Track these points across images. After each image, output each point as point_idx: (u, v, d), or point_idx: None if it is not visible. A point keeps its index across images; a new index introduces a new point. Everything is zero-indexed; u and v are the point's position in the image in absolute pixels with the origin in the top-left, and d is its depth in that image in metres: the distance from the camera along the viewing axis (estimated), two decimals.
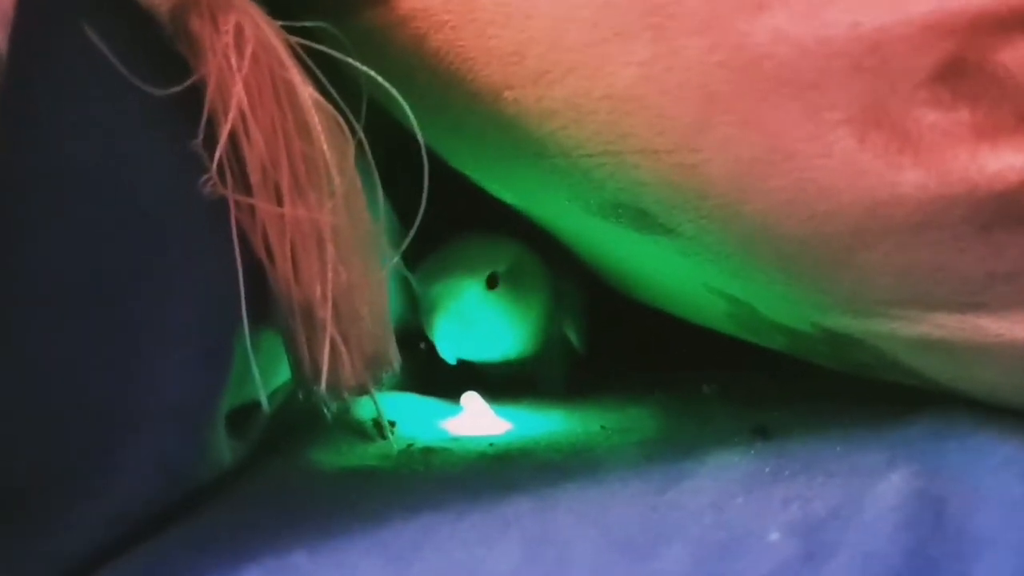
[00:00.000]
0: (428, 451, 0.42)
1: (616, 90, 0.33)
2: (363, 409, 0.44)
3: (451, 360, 0.53)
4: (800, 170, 0.31)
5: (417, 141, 0.37)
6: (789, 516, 0.30)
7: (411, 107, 0.41)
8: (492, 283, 0.53)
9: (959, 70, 0.26)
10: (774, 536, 0.28)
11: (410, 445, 0.43)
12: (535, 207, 0.48)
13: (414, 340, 0.54)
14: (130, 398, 0.31)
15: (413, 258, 0.55)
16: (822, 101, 0.29)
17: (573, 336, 0.60)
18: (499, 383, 0.55)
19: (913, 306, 0.37)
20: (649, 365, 0.62)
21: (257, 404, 0.41)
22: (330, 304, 0.35)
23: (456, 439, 0.44)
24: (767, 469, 0.36)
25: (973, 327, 0.36)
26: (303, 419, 0.41)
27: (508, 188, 0.47)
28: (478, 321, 0.53)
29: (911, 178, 0.29)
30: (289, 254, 0.36)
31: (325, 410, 0.39)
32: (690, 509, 0.32)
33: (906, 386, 0.44)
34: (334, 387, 0.37)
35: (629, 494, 0.34)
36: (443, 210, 0.57)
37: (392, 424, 0.45)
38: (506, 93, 0.36)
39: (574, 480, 0.36)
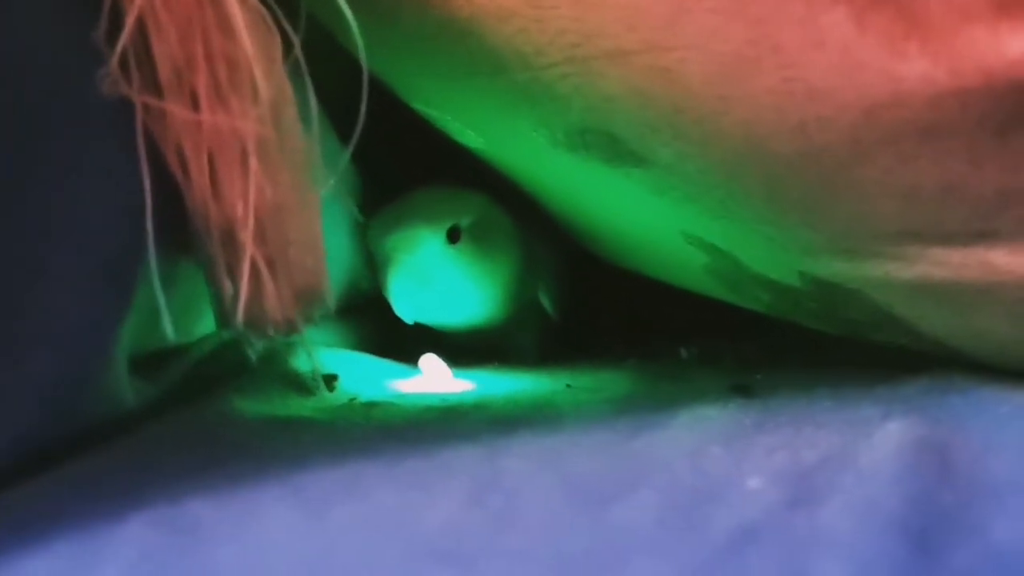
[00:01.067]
0: (371, 405, 0.38)
1: None
2: (301, 360, 0.40)
3: (408, 320, 0.48)
4: (788, 66, 0.27)
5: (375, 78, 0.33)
6: (773, 464, 0.26)
7: (360, 23, 0.37)
8: (453, 237, 0.49)
9: None
10: (754, 482, 0.24)
11: (352, 399, 0.39)
12: (499, 146, 0.44)
13: (376, 303, 0.50)
14: (7, 318, 0.26)
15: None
16: None
17: (546, 302, 0.56)
18: (466, 352, 0.51)
19: (914, 241, 0.33)
20: (628, 336, 0.58)
21: (181, 348, 0.36)
22: (251, 225, 0.31)
23: (405, 396, 0.40)
24: (748, 421, 0.32)
25: (980, 263, 0.32)
26: (235, 368, 0.37)
27: (468, 121, 0.43)
28: (437, 279, 0.49)
29: (917, 70, 0.25)
30: (206, 167, 0.31)
31: (249, 351, 0.34)
32: (660, 458, 0.28)
33: (902, 349, 0.41)
34: (257, 322, 0.32)
35: (592, 443, 0.30)
36: (410, 167, 0.53)
37: (334, 377, 0.40)
38: None
39: (532, 430, 0.32)
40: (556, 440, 0.30)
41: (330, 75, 0.37)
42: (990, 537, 0.21)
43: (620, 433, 0.31)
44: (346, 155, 0.33)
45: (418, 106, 0.45)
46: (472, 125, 0.43)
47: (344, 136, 0.34)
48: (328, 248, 0.45)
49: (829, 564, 0.20)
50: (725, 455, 0.27)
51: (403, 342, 0.51)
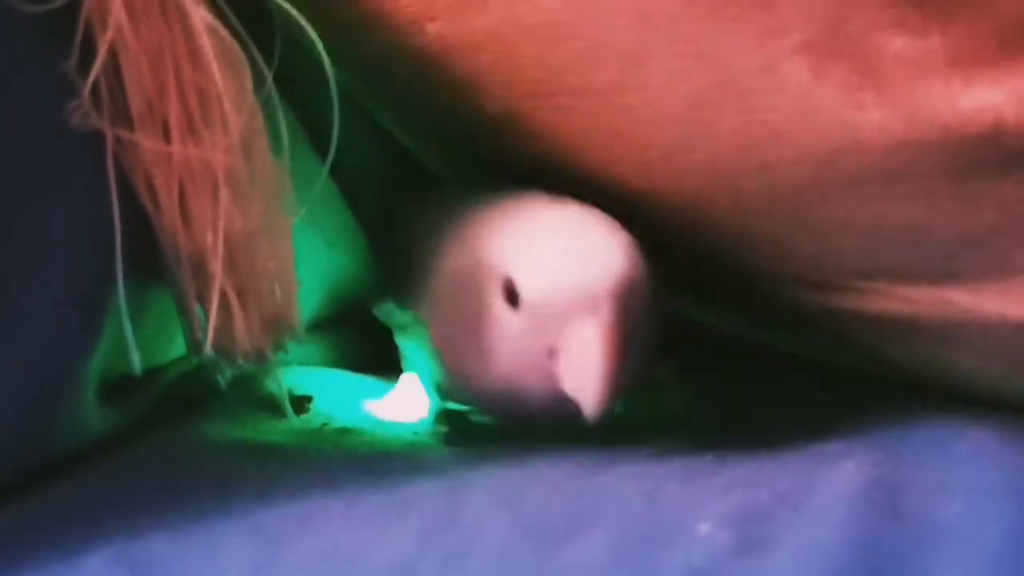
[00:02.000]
0: (342, 432, 0.38)
1: (543, 17, 0.29)
2: (275, 383, 0.40)
3: None
4: (751, 110, 0.27)
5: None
6: (727, 505, 0.27)
7: (335, 50, 0.37)
8: None
9: None
10: (705, 527, 0.25)
11: (325, 424, 0.39)
12: (466, 179, 0.45)
13: (362, 314, 0.50)
14: None
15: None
16: (773, 23, 0.25)
17: None
18: None
19: (880, 278, 0.33)
20: None
21: (153, 372, 0.37)
22: (221, 254, 0.31)
23: (380, 423, 0.40)
24: (710, 456, 0.32)
25: (944, 302, 0.32)
26: (207, 393, 0.37)
27: (441, 152, 0.43)
28: None
29: (874, 120, 0.26)
30: (177, 197, 0.32)
31: (220, 378, 0.35)
32: (618, 495, 0.28)
33: (872, 375, 0.41)
34: (226, 350, 0.33)
35: (556, 477, 0.31)
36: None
37: (308, 400, 0.41)
38: (428, 26, 0.32)
39: (498, 463, 0.32)
40: (520, 475, 0.30)
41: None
42: None
43: (583, 467, 0.31)
44: (323, 173, 0.34)
45: (398, 133, 0.46)
46: (445, 156, 0.44)
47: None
48: (308, 263, 0.45)
49: None
50: (681, 494, 0.28)
51: (388, 356, 0.51)
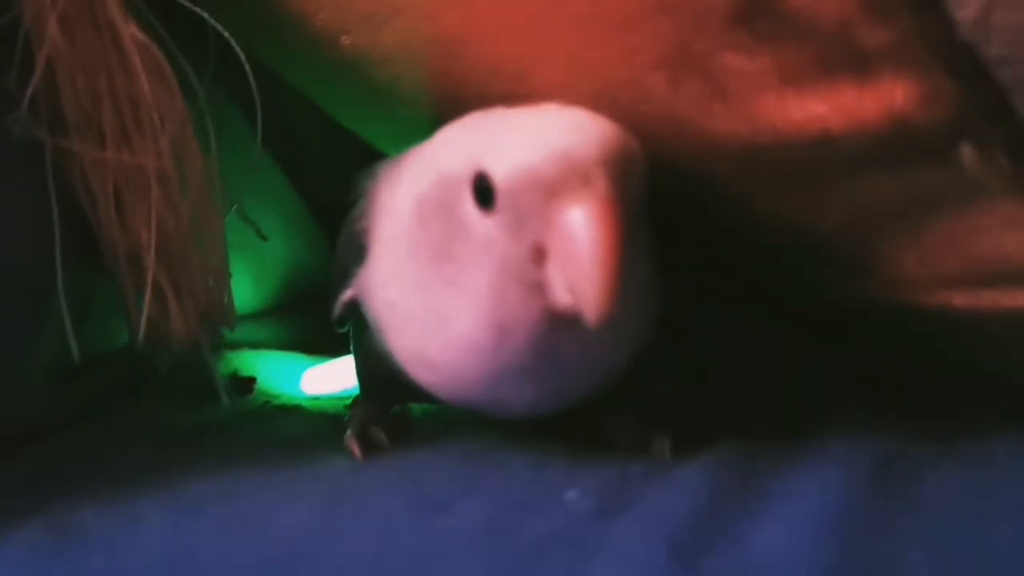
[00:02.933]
0: (281, 410, 0.41)
1: (444, 32, 0.32)
2: (223, 365, 0.43)
3: None
4: (626, 118, 0.30)
5: None
6: (600, 475, 0.30)
7: (272, 47, 0.40)
8: None
9: (756, 11, 0.26)
10: (572, 494, 0.28)
11: (266, 403, 0.43)
12: None
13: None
14: None
15: None
16: (634, 42, 0.28)
17: None
18: None
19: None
20: None
21: (99, 358, 0.40)
22: (154, 252, 0.35)
23: (316, 398, 0.44)
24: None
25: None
26: (154, 377, 0.41)
27: (385, 144, 0.46)
28: None
29: (724, 127, 0.29)
30: (113, 199, 0.35)
31: (160, 364, 0.38)
32: (508, 467, 0.31)
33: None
34: (163, 339, 0.36)
35: (459, 453, 0.34)
36: None
37: (252, 381, 0.44)
38: (343, 38, 0.35)
39: (414, 443, 0.35)
40: (424, 453, 0.33)
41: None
42: (747, 545, 0.25)
43: (487, 444, 0.34)
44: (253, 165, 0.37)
45: (344, 123, 0.48)
46: (387, 145, 0.47)
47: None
48: (265, 252, 0.49)
49: (602, 571, 0.24)
50: (564, 466, 0.31)
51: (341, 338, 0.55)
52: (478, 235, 0.27)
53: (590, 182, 0.25)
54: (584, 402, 0.31)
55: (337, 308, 0.34)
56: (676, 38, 0.27)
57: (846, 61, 0.26)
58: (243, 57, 0.35)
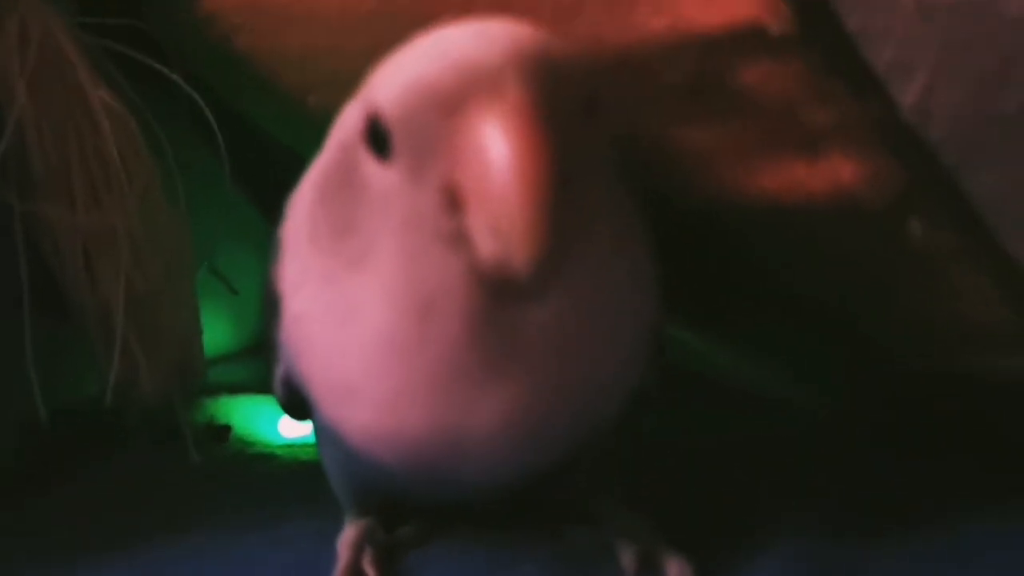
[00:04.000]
0: (255, 458, 0.42)
1: None
2: (200, 413, 0.44)
3: None
4: None
5: None
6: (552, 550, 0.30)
7: (243, 101, 0.41)
8: None
9: (706, 87, 0.26)
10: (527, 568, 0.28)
11: (240, 450, 0.43)
12: None
13: None
14: None
15: None
16: None
17: None
18: None
19: None
20: None
21: (73, 406, 0.41)
22: (122, 310, 0.35)
23: (291, 444, 0.44)
24: None
25: None
26: (125, 427, 0.41)
27: None
28: None
29: (683, 195, 0.30)
30: (82, 261, 0.35)
31: (130, 417, 0.39)
32: (464, 539, 0.32)
33: None
34: (132, 394, 0.37)
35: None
36: None
37: (227, 428, 0.45)
38: (309, 97, 0.36)
39: None
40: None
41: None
42: None
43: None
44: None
45: None
46: None
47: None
48: (244, 288, 0.49)
49: None
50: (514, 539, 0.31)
51: None
52: (378, 192, 0.22)
53: (499, 90, 0.20)
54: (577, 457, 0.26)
55: (279, 392, 0.30)
56: (627, 112, 0.28)
57: (793, 139, 0.27)
58: (211, 116, 0.36)
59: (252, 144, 0.43)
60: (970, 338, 0.31)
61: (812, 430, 0.41)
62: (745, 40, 0.25)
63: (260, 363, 0.54)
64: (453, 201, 0.21)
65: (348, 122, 0.24)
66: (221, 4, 0.34)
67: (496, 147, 0.20)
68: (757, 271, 0.32)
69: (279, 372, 0.29)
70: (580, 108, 0.22)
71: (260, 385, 0.51)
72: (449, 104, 0.20)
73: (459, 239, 0.21)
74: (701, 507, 0.32)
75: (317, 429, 0.32)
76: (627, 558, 0.28)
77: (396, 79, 0.22)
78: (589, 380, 0.24)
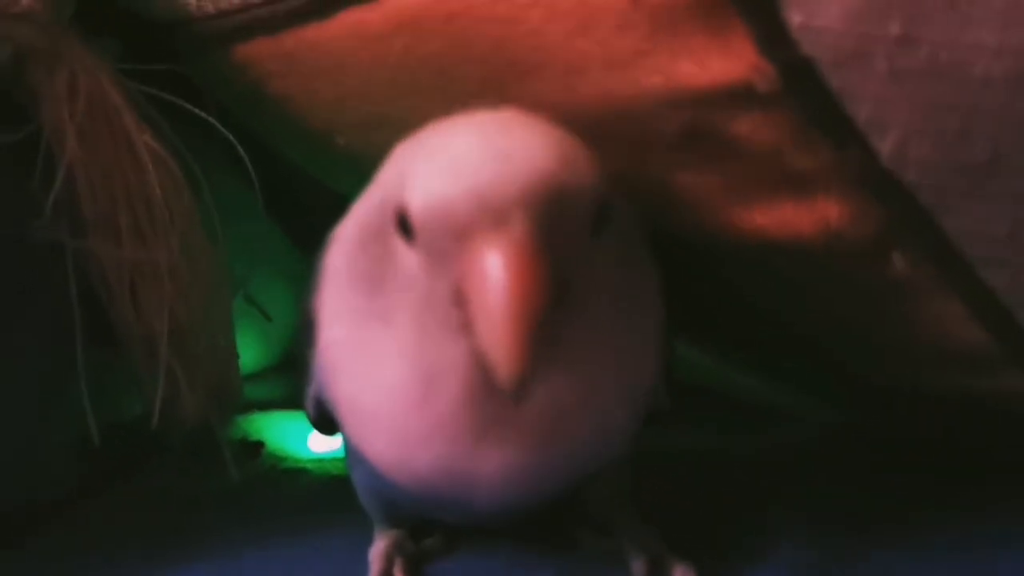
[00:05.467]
0: (287, 473, 0.45)
1: None
2: (231, 431, 0.47)
3: None
4: None
5: None
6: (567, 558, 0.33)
7: (275, 138, 0.44)
8: None
9: (700, 136, 0.29)
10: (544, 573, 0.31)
11: (272, 466, 0.46)
12: None
13: None
14: None
15: None
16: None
17: None
18: None
19: None
20: None
21: (118, 427, 0.44)
22: (165, 339, 0.38)
23: (321, 458, 0.47)
24: None
25: None
26: (165, 446, 0.44)
27: None
28: None
29: (685, 231, 0.32)
30: (128, 293, 0.38)
31: (173, 437, 0.42)
32: (483, 544, 0.34)
33: None
34: (174, 417, 0.40)
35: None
36: None
37: (260, 444, 0.48)
38: (337, 138, 0.39)
39: None
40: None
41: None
42: None
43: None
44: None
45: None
46: None
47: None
48: (279, 309, 0.52)
49: None
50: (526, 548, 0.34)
51: None
52: (404, 267, 0.26)
53: (506, 223, 0.23)
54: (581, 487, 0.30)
55: (309, 410, 0.33)
56: (628, 158, 0.31)
57: (782, 181, 0.29)
58: (245, 155, 0.39)
59: (283, 177, 0.46)
60: (953, 361, 0.33)
61: (815, 440, 0.44)
62: (735, 96, 0.27)
63: (288, 380, 0.58)
64: (460, 299, 0.24)
65: (388, 185, 0.27)
66: (257, 51, 0.37)
67: (494, 275, 0.23)
68: (751, 299, 0.34)
69: (311, 391, 0.33)
70: (588, 227, 0.25)
71: (288, 401, 0.55)
72: (461, 229, 0.23)
73: (464, 328, 0.24)
74: (707, 516, 0.35)
75: (346, 447, 0.36)
76: (637, 566, 0.31)
77: (418, 193, 0.24)
78: (589, 436, 0.27)
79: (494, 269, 0.23)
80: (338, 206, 0.32)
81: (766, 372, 0.40)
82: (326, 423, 0.33)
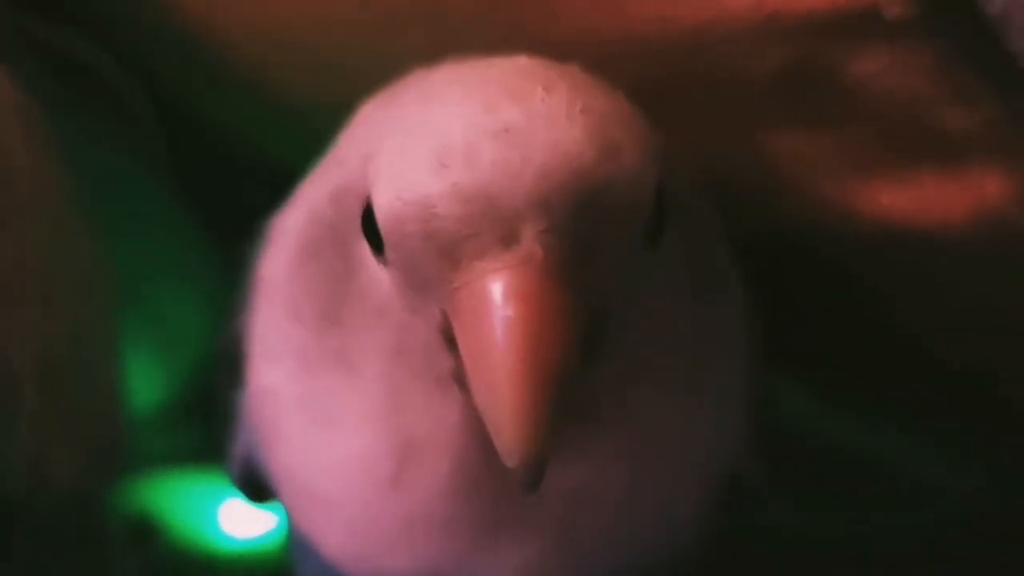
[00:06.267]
0: (196, 564, 0.44)
1: None
2: (119, 505, 0.46)
3: None
4: None
5: None
6: None
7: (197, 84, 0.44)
8: None
9: (805, 83, 0.29)
10: None
11: (178, 552, 0.46)
12: None
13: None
14: None
15: None
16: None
17: None
18: None
19: None
20: None
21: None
22: (30, 378, 0.37)
23: (233, 545, 0.46)
24: None
25: None
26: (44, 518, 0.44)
27: None
28: None
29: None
30: None
31: (36, 513, 0.41)
32: None
33: None
34: (43, 487, 0.39)
35: None
36: None
37: (154, 528, 0.47)
38: (275, 89, 0.38)
39: None
40: None
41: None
42: None
43: None
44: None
45: None
46: None
47: None
48: (173, 328, 0.52)
49: None
50: None
51: None
52: (371, 289, 0.24)
53: (514, 239, 0.21)
54: None
55: (232, 471, 0.33)
56: (703, 120, 0.30)
57: (920, 146, 0.29)
58: (143, 104, 0.38)
59: (199, 147, 0.45)
60: None
61: (962, 519, 0.43)
62: (854, 25, 0.27)
63: (197, 423, 0.57)
64: (451, 341, 0.22)
65: (349, 162, 0.25)
66: None
67: (497, 316, 0.21)
68: (873, 319, 0.34)
69: (235, 447, 0.32)
70: (640, 235, 0.23)
71: (197, 452, 0.54)
72: (448, 244, 0.21)
73: (455, 382, 0.23)
74: None
75: (288, 530, 0.34)
76: None
77: (390, 182, 0.22)
78: (641, 533, 0.27)
79: (496, 307, 0.21)
80: (277, 187, 0.31)
81: (885, 416, 0.40)
82: (256, 488, 0.32)
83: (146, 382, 0.55)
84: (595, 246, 0.22)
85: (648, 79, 0.27)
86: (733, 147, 0.31)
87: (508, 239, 0.21)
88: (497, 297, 0.21)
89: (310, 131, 0.36)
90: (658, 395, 0.25)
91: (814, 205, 0.31)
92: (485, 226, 0.21)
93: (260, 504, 0.34)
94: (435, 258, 0.22)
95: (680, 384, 0.25)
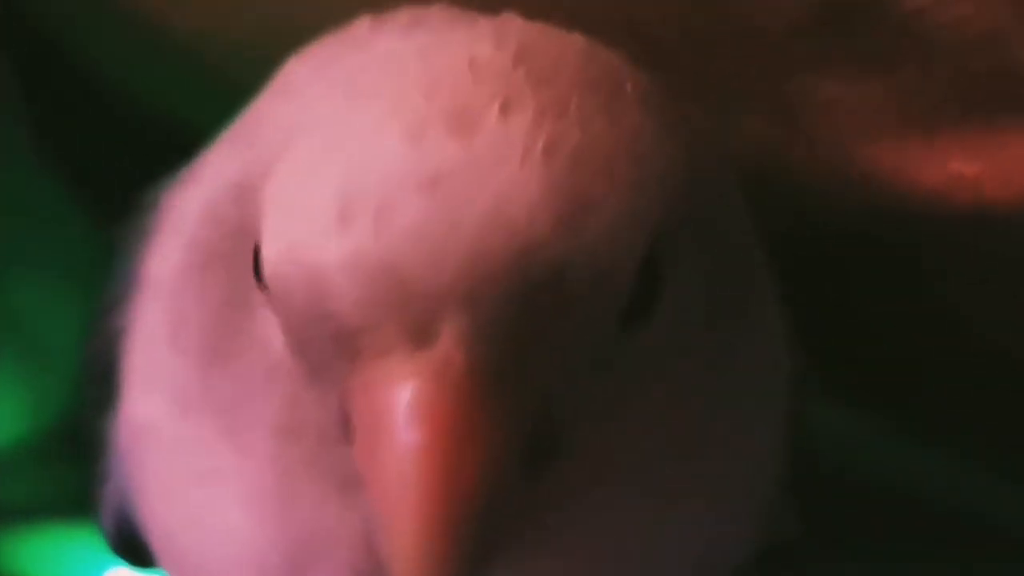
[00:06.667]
0: None
1: None
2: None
3: None
4: None
5: None
6: None
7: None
8: None
9: (850, 15, 0.29)
10: None
11: None
12: None
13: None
14: None
15: None
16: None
17: None
18: None
19: None
20: None
21: None
22: None
23: None
24: None
25: None
26: None
27: None
28: None
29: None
30: None
31: None
32: None
33: None
34: None
35: None
36: None
37: None
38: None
39: None
40: None
41: None
42: None
43: None
44: None
45: None
46: None
47: None
48: (42, 341, 0.50)
49: None
50: None
51: None
52: (263, 345, 0.23)
53: (432, 334, 0.19)
54: None
55: (106, 525, 0.32)
56: (729, 72, 0.30)
57: (998, 96, 0.28)
58: None
59: (71, 95, 0.43)
60: None
61: None
62: None
63: (75, 461, 0.55)
64: (351, 436, 0.20)
65: (263, 144, 0.23)
66: None
67: (396, 439, 0.19)
68: (941, 318, 0.34)
69: (107, 492, 0.31)
70: (610, 323, 0.21)
71: (75, 499, 0.52)
72: (344, 332, 0.20)
73: (355, 484, 0.21)
74: None
75: None
76: None
77: (279, 222, 0.21)
78: None
79: (398, 427, 0.19)
80: (177, 151, 0.29)
81: (956, 443, 0.40)
82: (134, 549, 0.31)
83: (4, 410, 0.52)
84: (541, 345, 0.20)
85: (672, 22, 0.28)
86: (767, 103, 0.30)
87: (420, 336, 0.19)
88: (400, 414, 0.19)
89: (219, 82, 0.35)
90: (634, 497, 0.23)
91: (862, 169, 0.30)
92: (391, 315, 0.19)
93: (143, 569, 0.33)
94: (329, 343, 0.20)
95: (668, 478, 0.23)
